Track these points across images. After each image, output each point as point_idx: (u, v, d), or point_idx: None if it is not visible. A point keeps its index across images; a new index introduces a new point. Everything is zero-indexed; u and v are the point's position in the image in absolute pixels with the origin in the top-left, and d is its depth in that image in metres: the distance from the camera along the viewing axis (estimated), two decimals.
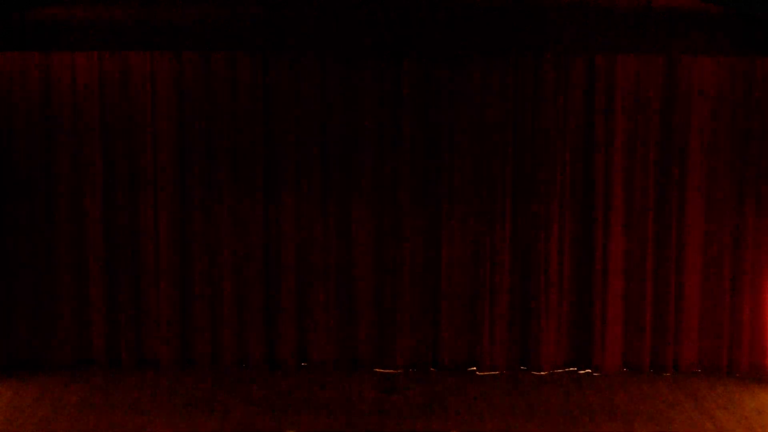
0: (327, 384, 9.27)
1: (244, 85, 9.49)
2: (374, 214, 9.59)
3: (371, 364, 9.69)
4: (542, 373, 9.62)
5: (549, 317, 9.61)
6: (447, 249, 9.59)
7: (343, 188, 9.59)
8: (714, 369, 9.61)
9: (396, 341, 9.67)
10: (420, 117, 9.50)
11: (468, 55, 9.37)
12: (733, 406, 8.72)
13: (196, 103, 9.50)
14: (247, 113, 9.51)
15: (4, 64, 9.41)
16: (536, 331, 9.61)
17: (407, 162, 9.52)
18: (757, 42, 9.12)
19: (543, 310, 9.59)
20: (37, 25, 9.17)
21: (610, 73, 9.45)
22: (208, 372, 9.59)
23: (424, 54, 9.37)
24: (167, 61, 9.46)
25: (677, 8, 9.13)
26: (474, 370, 9.69)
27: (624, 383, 9.35)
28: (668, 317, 9.59)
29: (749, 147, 9.43)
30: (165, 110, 9.49)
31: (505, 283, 9.61)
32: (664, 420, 8.37)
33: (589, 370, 9.67)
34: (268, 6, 9.19)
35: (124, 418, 8.33)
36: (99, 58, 9.44)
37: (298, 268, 9.66)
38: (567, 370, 9.70)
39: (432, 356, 9.72)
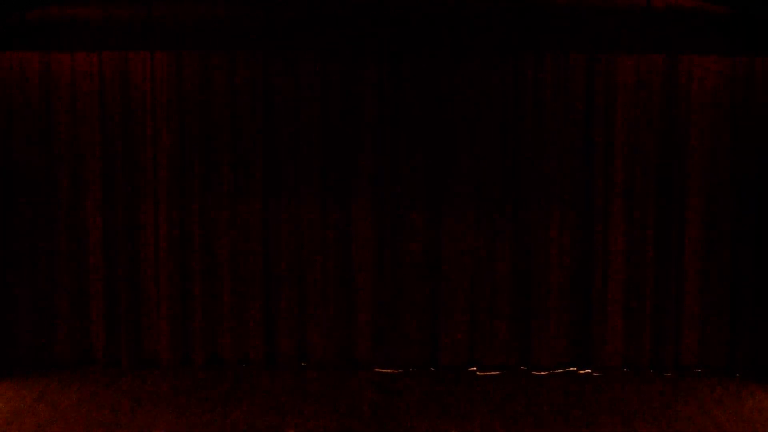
0: (327, 384, 9.28)
1: (244, 85, 9.50)
2: (374, 214, 9.58)
3: (371, 364, 9.69)
4: (542, 373, 9.62)
5: (549, 317, 9.61)
6: (447, 249, 9.59)
7: (343, 188, 9.59)
8: (714, 369, 9.61)
9: (396, 341, 9.67)
10: (420, 117, 9.50)
11: (468, 54, 9.37)
12: (733, 406, 8.72)
13: (196, 103, 9.51)
14: (246, 112, 9.52)
15: (4, 64, 9.42)
16: (536, 331, 9.61)
17: (408, 161, 9.53)
18: (757, 42, 9.12)
19: (543, 310, 9.59)
20: (37, 25, 9.18)
21: (610, 73, 9.45)
22: (207, 372, 9.60)
23: (423, 53, 9.37)
24: (167, 61, 9.47)
25: (677, 8, 9.14)
26: (474, 370, 9.69)
27: (624, 383, 9.36)
28: (668, 317, 9.59)
29: (749, 146, 9.43)
30: (165, 110, 9.50)
31: (505, 282, 9.61)
32: (664, 420, 8.36)
33: (589, 370, 9.67)
34: (268, 6, 9.19)
35: (124, 418, 8.33)
36: (99, 58, 9.45)
37: (297, 268, 9.66)
38: (567, 370, 9.70)
39: (432, 356, 9.72)
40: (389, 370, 9.66)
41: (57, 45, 9.29)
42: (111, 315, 9.65)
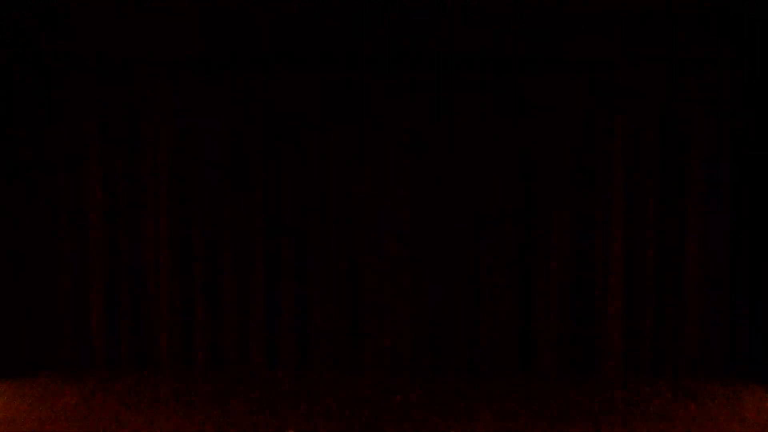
0: (327, 384, 9.28)
1: (244, 87, 9.50)
2: (374, 215, 9.58)
3: (371, 364, 9.69)
4: (542, 373, 9.62)
5: (549, 317, 9.61)
6: (447, 249, 9.59)
7: (344, 189, 9.60)
8: (714, 369, 9.61)
9: (396, 341, 9.67)
10: (420, 120, 9.51)
11: (468, 59, 9.37)
12: (733, 406, 8.73)
13: (196, 104, 9.52)
14: (247, 114, 9.53)
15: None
16: (536, 331, 9.62)
17: (408, 162, 9.54)
18: (757, 42, 9.12)
19: (543, 310, 9.60)
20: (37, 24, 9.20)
21: (611, 75, 9.45)
22: (208, 372, 9.61)
23: (423, 57, 9.37)
24: (167, 62, 9.47)
25: (677, 8, 9.14)
26: (474, 370, 9.69)
27: (624, 383, 9.36)
28: (668, 317, 9.60)
29: (750, 148, 9.43)
30: (165, 110, 9.51)
31: (505, 282, 9.61)
32: (664, 420, 8.37)
33: (590, 370, 9.67)
34: (268, 7, 9.20)
35: (124, 418, 8.33)
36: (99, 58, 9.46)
37: (298, 267, 9.66)
38: (567, 370, 9.70)
39: (431, 356, 9.72)
40: (389, 370, 9.66)
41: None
42: (111, 315, 9.66)
